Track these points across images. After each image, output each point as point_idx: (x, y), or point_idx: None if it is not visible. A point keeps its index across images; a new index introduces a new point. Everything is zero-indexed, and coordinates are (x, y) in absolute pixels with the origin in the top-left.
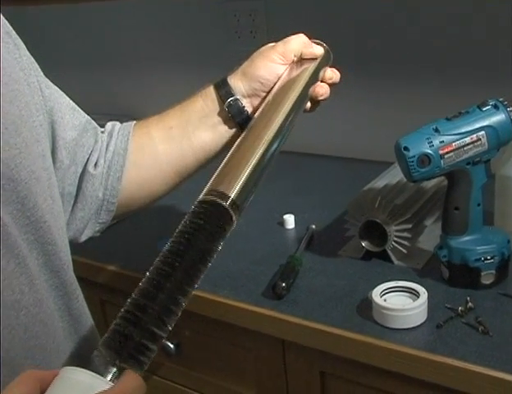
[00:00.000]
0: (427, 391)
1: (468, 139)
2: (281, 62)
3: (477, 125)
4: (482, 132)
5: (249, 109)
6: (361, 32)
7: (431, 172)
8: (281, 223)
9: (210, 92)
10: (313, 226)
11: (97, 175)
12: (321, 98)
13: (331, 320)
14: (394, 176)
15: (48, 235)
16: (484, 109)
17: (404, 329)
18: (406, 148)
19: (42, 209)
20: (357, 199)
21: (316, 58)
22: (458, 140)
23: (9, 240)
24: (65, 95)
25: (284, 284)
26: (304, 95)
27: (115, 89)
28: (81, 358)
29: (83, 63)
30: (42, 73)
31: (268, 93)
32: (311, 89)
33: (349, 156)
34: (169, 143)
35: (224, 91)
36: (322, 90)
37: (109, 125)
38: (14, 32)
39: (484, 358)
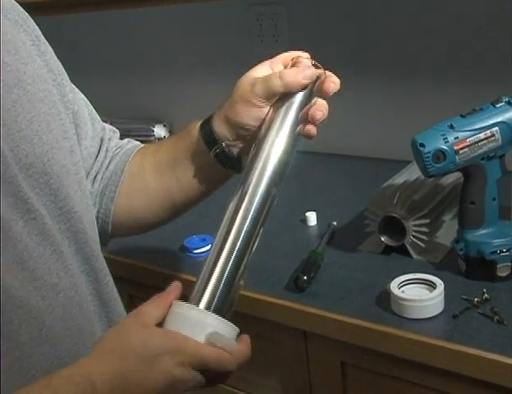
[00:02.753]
0: (444, 379)
1: (482, 135)
2: (263, 105)
3: (491, 122)
4: (496, 128)
5: (235, 150)
6: (377, 33)
7: (446, 168)
8: (304, 220)
9: (196, 134)
10: (335, 223)
11: (93, 192)
12: (319, 120)
13: (351, 311)
14: (412, 173)
15: (79, 224)
16: (498, 106)
17: (422, 319)
18: (422, 145)
19: (73, 201)
20: (376, 195)
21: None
22: (472, 136)
23: (45, 228)
24: (88, 103)
25: (305, 277)
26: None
27: (141, 94)
28: None
29: (109, 69)
30: (67, 78)
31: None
32: (305, 113)
33: (369, 155)
34: (157, 177)
35: (210, 138)
36: (318, 114)
37: (125, 141)
38: (43, 37)
39: (499, 346)
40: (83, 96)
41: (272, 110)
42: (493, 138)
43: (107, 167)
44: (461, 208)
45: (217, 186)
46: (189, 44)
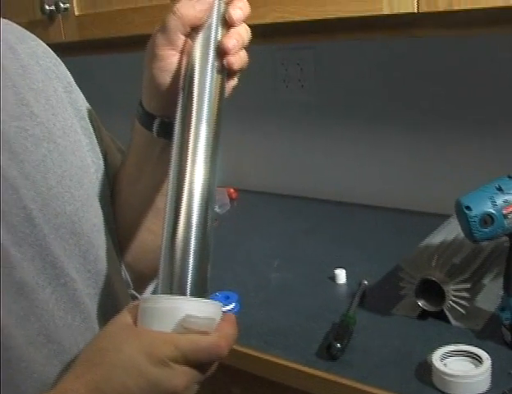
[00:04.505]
0: None
1: None
2: (173, 52)
3: None
4: None
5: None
6: (409, 82)
7: (493, 233)
8: (332, 278)
9: (136, 127)
10: (365, 282)
11: None
12: (233, 48)
13: (389, 384)
14: (449, 232)
15: (109, 288)
16: None
17: None
18: (468, 208)
19: (103, 262)
20: (412, 256)
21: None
22: None
23: (75, 295)
24: (114, 138)
25: (339, 345)
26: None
27: None
28: None
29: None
30: (99, 122)
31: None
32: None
33: (397, 207)
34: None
35: (146, 119)
36: (231, 42)
37: None
38: (74, 83)
39: None
40: (107, 133)
41: (186, 56)
42: None
43: None
44: (506, 274)
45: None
46: None
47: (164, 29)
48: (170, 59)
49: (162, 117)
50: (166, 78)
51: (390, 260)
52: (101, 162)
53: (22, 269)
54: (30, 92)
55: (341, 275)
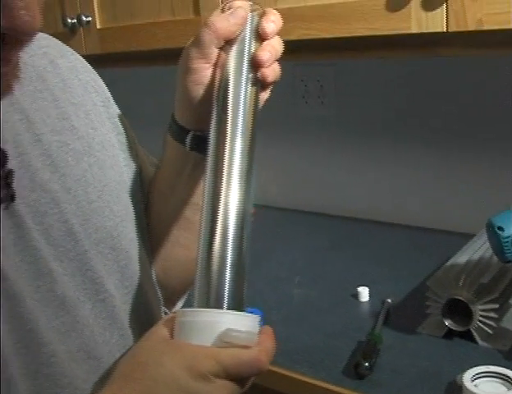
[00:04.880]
0: None
1: None
2: (205, 66)
3: None
4: None
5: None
6: (430, 100)
7: None
8: (355, 295)
9: (169, 140)
10: (389, 301)
11: None
12: (267, 61)
13: None
14: (473, 251)
15: (145, 304)
16: None
17: None
18: (500, 228)
19: (139, 278)
20: (439, 275)
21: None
22: None
23: (114, 311)
24: (149, 155)
25: (367, 364)
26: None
27: None
28: None
29: (145, 125)
30: (134, 136)
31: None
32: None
33: (419, 225)
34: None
35: (179, 134)
36: (265, 54)
37: None
38: (111, 97)
39: None
40: (140, 147)
41: (220, 69)
42: None
43: None
44: None
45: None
46: None
47: (198, 42)
48: (203, 72)
49: (195, 131)
50: (199, 91)
51: (411, 278)
52: (137, 177)
53: (63, 284)
54: (71, 106)
55: (364, 293)
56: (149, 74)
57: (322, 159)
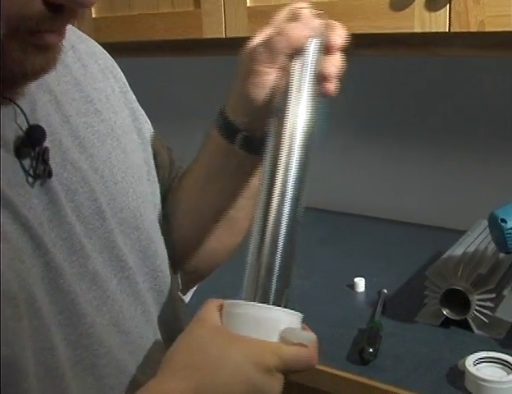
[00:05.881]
0: None
1: None
2: (270, 71)
3: None
4: None
5: (259, 133)
6: (431, 101)
7: None
8: (351, 286)
9: (213, 134)
10: (385, 291)
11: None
12: (334, 75)
13: (422, 388)
14: (467, 245)
15: (164, 285)
16: None
17: None
18: (503, 220)
19: (160, 258)
20: (438, 266)
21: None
22: None
23: (137, 288)
24: (159, 136)
25: (371, 349)
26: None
27: (178, 145)
28: None
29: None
30: (149, 123)
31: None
32: (320, 70)
33: (411, 221)
34: (202, 194)
35: (228, 130)
36: (332, 69)
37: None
38: (127, 84)
39: None
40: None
41: (284, 75)
42: None
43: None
44: None
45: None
46: (224, 97)
47: (269, 47)
48: (267, 76)
49: (247, 131)
50: (259, 94)
51: (405, 271)
52: (152, 162)
53: (94, 260)
54: (93, 90)
55: (361, 284)
56: (146, 65)
57: (319, 156)
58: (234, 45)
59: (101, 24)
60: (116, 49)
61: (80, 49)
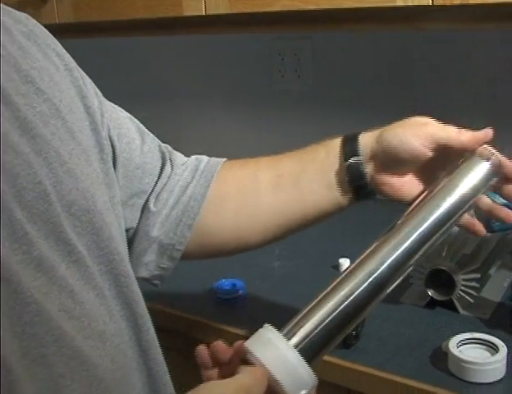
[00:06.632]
0: None
1: None
2: (424, 148)
3: None
4: None
5: (370, 175)
6: (412, 75)
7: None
8: (336, 266)
9: (335, 145)
10: None
11: (155, 212)
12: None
13: (406, 371)
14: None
15: (121, 266)
16: None
17: (484, 384)
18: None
19: (116, 241)
20: None
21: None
22: None
23: (87, 271)
24: (134, 119)
25: (354, 332)
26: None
27: (150, 124)
28: (152, 391)
29: (117, 97)
30: (103, 100)
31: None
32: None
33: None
34: (275, 192)
35: (350, 148)
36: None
37: (193, 159)
38: (73, 61)
39: None
40: (125, 114)
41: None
42: None
43: (186, 189)
44: None
45: (331, 214)
46: (206, 76)
47: (441, 129)
48: (417, 147)
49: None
50: (401, 150)
51: None
52: (106, 142)
53: (39, 246)
54: (33, 70)
55: (345, 264)
56: (127, 45)
57: (297, 133)
58: (214, 22)
59: (80, 3)
60: (95, 29)
61: (14, 32)
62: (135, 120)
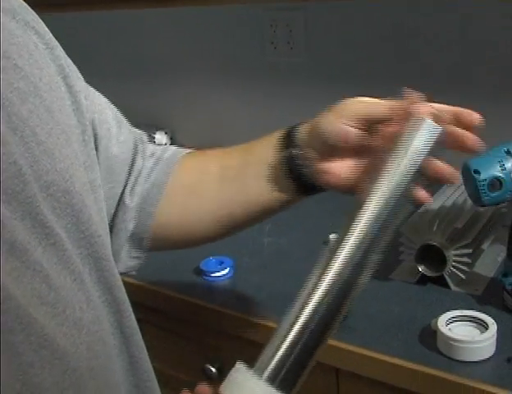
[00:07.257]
0: None
1: None
2: (355, 125)
3: None
4: None
5: (309, 167)
6: (408, 44)
7: (502, 197)
8: (327, 243)
9: (274, 137)
10: None
11: (131, 205)
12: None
13: (393, 349)
14: (445, 199)
15: (102, 250)
16: None
17: (473, 362)
18: (477, 172)
19: (96, 223)
20: (413, 222)
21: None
22: None
23: (65, 255)
24: (112, 106)
25: None
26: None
27: (142, 99)
28: (134, 378)
29: (110, 71)
30: (83, 82)
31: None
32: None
33: None
34: (222, 183)
35: (287, 139)
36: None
37: (159, 149)
38: (55, 39)
39: None
40: (105, 99)
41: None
42: None
43: (148, 178)
44: (510, 240)
45: (275, 209)
46: (196, 49)
47: (368, 104)
48: (348, 128)
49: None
50: (332, 135)
51: None
52: (87, 123)
53: (12, 228)
54: (11, 46)
55: None
56: (109, 19)
57: (290, 105)
58: None
59: None
60: (78, 2)
61: None
62: (113, 107)
